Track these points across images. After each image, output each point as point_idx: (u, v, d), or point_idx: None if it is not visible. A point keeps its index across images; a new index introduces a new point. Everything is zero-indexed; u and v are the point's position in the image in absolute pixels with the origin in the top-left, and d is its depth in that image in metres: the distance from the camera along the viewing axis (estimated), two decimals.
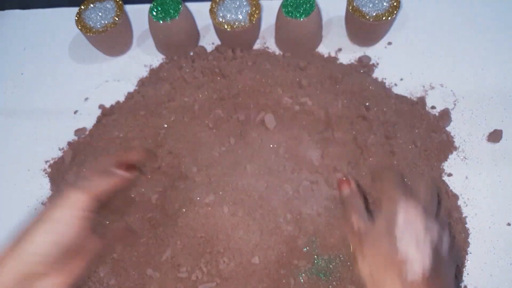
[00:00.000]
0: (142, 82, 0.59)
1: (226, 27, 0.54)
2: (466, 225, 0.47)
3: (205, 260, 0.45)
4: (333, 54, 0.58)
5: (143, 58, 0.61)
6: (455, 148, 0.51)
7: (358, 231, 0.36)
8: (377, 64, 0.57)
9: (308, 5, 0.52)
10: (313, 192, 0.47)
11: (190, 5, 0.59)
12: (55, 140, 0.57)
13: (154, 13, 0.55)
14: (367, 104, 0.52)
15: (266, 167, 0.48)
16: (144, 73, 0.60)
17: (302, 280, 0.44)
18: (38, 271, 0.31)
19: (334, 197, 0.47)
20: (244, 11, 0.55)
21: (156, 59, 0.61)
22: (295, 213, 0.46)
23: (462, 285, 0.45)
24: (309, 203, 0.47)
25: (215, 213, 0.46)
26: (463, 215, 0.48)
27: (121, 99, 0.58)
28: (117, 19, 0.57)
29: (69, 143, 0.56)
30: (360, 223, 0.37)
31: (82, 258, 0.33)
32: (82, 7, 0.58)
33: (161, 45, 0.60)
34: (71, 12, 0.65)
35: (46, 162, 0.55)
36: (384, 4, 0.53)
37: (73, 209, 0.32)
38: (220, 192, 0.48)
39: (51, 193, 0.52)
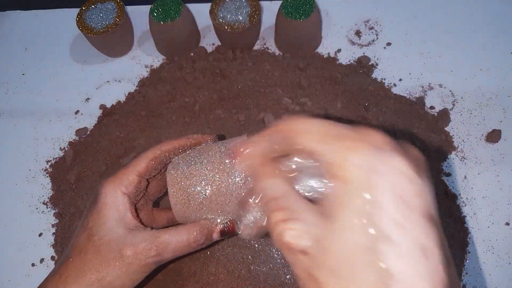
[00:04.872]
0: (143, 83, 0.59)
1: (226, 27, 0.55)
2: (465, 225, 0.47)
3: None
4: (332, 55, 0.59)
5: (144, 58, 0.62)
6: (454, 148, 0.52)
7: (299, 248, 0.19)
8: (376, 64, 0.58)
9: (307, 6, 0.53)
10: None
11: (190, 6, 0.59)
12: (56, 140, 0.57)
13: (155, 14, 0.55)
14: (366, 104, 0.52)
15: None
16: (145, 73, 0.60)
17: None
18: None
19: None
20: (244, 12, 0.55)
21: (157, 59, 0.61)
22: None
23: (461, 284, 0.45)
24: None
25: None
26: (462, 215, 0.48)
27: (122, 99, 0.58)
28: (118, 20, 0.57)
29: (70, 143, 0.56)
30: (305, 232, 0.20)
31: None
32: (83, 8, 0.59)
33: (161, 46, 0.60)
34: (72, 13, 0.65)
35: (48, 162, 0.56)
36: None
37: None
38: None
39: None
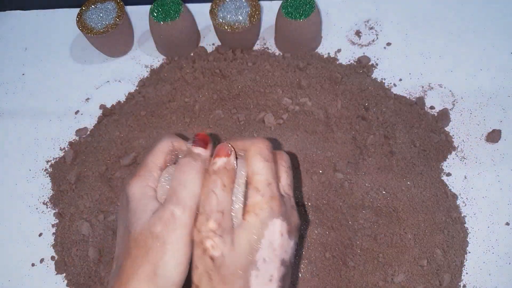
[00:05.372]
0: (143, 83, 0.59)
1: (226, 28, 0.55)
2: (465, 225, 0.48)
3: None
4: (332, 55, 0.59)
5: (143, 58, 0.62)
6: (454, 148, 0.52)
7: (212, 255, 0.27)
8: (376, 64, 0.58)
9: (308, 6, 0.53)
10: None
11: (190, 6, 0.59)
12: (56, 140, 0.57)
13: (155, 14, 0.55)
14: (366, 104, 0.52)
15: None
16: (145, 73, 0.60)
17: None
18: None
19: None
20: (244, 12, 0.55)
21: (157, 59, 0.61)
22: None
23: (461, 284, 0.45)
24: None
25: None
26: (462, 215, 0.48)
27: (122, 99, 0.58)
28: (118, 20, 0.57)
29: (70, 143, 0.56)
30: (220, 242, 0.27)
31: None
32: (83, 8, 0.59)
33: (161, 46, 0.60)
34: (72, 13, 0.65)
35: (47, 162, 0.56)
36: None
37: (183, 236, 0.28)
38: None
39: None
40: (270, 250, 0.28)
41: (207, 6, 0.56)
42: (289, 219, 0.30)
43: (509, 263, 0.46)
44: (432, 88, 0.55)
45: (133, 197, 0.31)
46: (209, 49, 0.61)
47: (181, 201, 0.28)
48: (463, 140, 0.52)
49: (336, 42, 0.60)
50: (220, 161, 0.29)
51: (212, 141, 0.32)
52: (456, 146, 0.52)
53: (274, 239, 0.28)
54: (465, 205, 0.49)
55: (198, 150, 0.31)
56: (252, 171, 0.30)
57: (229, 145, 0.31)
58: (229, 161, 0.30)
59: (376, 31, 0.60)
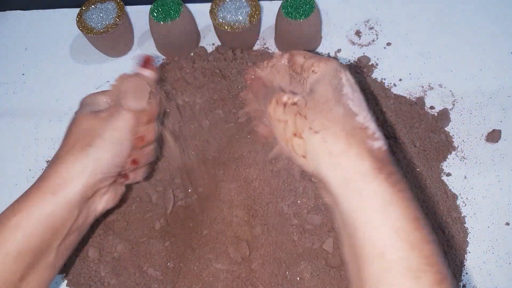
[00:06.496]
0: None
1: (226, 28, 0.55)
2: (465, 225, 0.48)
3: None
4: (332, 55, 0.59)
5: None
6: (454, 148, 0.52)
7: (292, 103, 0.30)
8: (376, 64, 0.58)
9: (307, 6, 0.53)
10: (314, 192, 0.47)
11: (190, 6, 0.59)
12: (56, 140, 0.57)
13: (155, 14, 0.55)
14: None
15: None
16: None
17: None
18: (101, 188, 0.33)
19: None
20: (244, 12, 0.55)
21: (157, 59, 0.61)
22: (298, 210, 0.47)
23: (461, 284, 0.45)
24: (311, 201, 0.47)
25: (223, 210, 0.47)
26: (462, 215, 0.48)
27: None
28: (118, 20, 0.57)
29: None
30: (293, 95, 0.30)
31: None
32: (83, 8, 0.59)
33: (161, 46, 0.60)
34: (72, 13, 0.65)
35: (48, 162, 0.56)
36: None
37: (128, 132, 0.35)
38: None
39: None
40: (353, 90, 0.30)
41: (207, 6, 0.56)
42: None
43: (509, 263, 0.46)
44: (432, 88, 0.55)
45: (85, 100, 0.38)
46: (209, 49, 0.61)
47: (126, 104, 0.35)
48: (463, 140, 0.52)
49: (336, 42, 0.60)
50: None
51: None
52: (456, 146, 0.52)
53: (351, 81, 0.30)
54: (465, 205, 0.49)
55: (144, 72, 0.38)
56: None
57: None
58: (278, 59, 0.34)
59: (376, 31, 0.60)
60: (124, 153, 0.35)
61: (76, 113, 0.38)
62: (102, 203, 0.34)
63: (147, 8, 0.56)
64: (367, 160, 0.26)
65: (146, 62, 0.38)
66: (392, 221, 0.26)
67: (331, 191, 0.28)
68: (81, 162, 0.32)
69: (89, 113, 0.36)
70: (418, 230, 0.26)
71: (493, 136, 0.51)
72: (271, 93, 0.31)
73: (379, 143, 0.27)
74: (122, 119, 0.34)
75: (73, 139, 0.34)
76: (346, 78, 0.30)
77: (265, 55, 0.58)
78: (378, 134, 0.28)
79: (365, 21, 0.61)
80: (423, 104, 0.54)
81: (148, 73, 0.38)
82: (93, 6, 0.59)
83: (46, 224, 0.30)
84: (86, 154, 0.32)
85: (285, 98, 0.30)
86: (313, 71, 0.31)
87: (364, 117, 0.28)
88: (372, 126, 0.28)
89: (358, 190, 0.26)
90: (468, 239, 0.47)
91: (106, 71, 0.61)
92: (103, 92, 0.39)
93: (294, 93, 0.31)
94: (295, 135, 0.28)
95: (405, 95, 0.55)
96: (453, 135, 0.52)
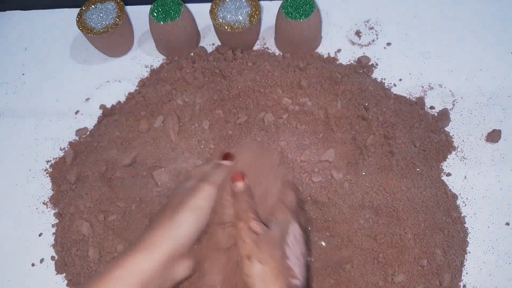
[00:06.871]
0: (142, 83, 0.59)
1: (226, 28, 0.55)
2: (465, 225, 0.48)
3: None
4: (332, 55, 0.59)
5: (143, 58, 0.62)
6: (454, 148, 0.52)
7: (255, 233, 0.36)
8: (376, 64, 0.58)
9: (307, 6, 0.53)
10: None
11: (190, 6, 0.59)
12: (56, 140, 0.57)
13: (155, 14, 0.55)
14: (366, 104, 0.52)
15: None
16: (145, 73, 0.60)
17: None
18: (183, 252, 0.36)
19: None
20: (244, 12, 0.55)
21: (157, 59, 0.61)
22: None
23: (461, 284, 0.45)
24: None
25: None
26: (462, 215, 0.48)
27: (122, 99, 0.58)
28: (118, 20, 0.57)
29: (70, 143, 0.56)
30: (258, 225, 0.37)
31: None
32: (83, 8, 0.59)
33: (161, 46, 0.60)
34: (72, 13, 0.65)
35: (48, 162, 0.56)
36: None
37: (209, 200, 0.39)
38: None
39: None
40: (295, 240, 0.38)
41: (207, 6, 0.56)
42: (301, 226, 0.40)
43: (509, 263, 0.46)
44: (432, 88, 0.55)
45: (177, 186, 0.43)
46: (209, 49, 0.61)
47: (209, 179, 0.40)
48: (463, 140, 0.52)
49: (336, 42, 0.60)
50: (238, 186, 0.40)
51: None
52: (456, 146, 0.52)
53: (296, 233, 0.38)
54: (465, 205, 0.49)
55: (224, 162, 0.43)
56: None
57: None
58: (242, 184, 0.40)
59: (376, 31, 0.60)
60: (204, 217, 0.38)
61: (171, 192, 0.46)
62: (181, 269, 0.38)
63: (147, 8, 0.56)
64: None
65: (227, 156, 0.43)
66: None
67: None
68: (169, 226, 0.37)
69: (179, 190, 0.40)
70: None
71: (493, 136, 0.51)
72: (244, 212, 0.38)
73: (297, 282, 0.36)
74: (204, 190, 0.39)
75: (165, 211, 0.38)
76: (292, 229, 0.38)
77: (265, 55, 0.59)
78: (298, 275, 0.36)
79: (365, 21, 0.61)
80: (423, 104, 0.54)
81: (225, 163, 0.43)
82: (93, 6, 0.59)
83: (141, 277, 0.35)
84: (172, 220, 0.37)
85: (253, 224, 0.37)
86: (276, 215, 0.39)
87: (293, 262, 0.36)
88: (296, 269, 0.36)
89: None
90: (468, 239, 0.47)
91: (106, 71, 0.61)
92: (188, 178, 0.43)
93: (260, 222, 0.38)
94: (247, 257, 0.36)
95: (405, 95, 0.55)
96: (453, 135, 0.52)
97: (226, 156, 0.43)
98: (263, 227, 0.37)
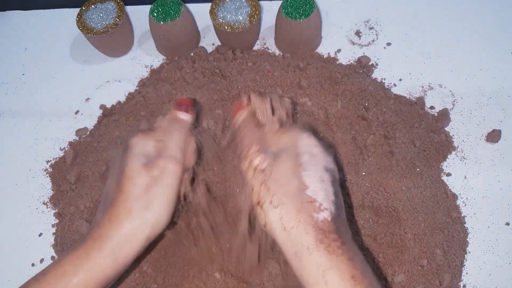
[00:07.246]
0: (142, 83, 0.59)
1: (226, 28, 0.55)
2: (465, 225, 0.48)
3: None
4: (332, 55, 0.59)
5: (143, 58, 0.62)
6: (454, 148, 0.52)
7: (261, 168, 0.32)
8: (376, 64, 0.58)
9: (308, 6, 0.53)
10: None
11: (190, 6, 0.59)
12: (56, 140, 0.57)
13: (155, 14, 0.55)
14: (366, 104, 0.52)
15: None
16: (145, 73, 0.60)
17: None
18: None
19: None
20: (244, 12, 0.55)
21: (157, 59, 0.61)
22: None
23: (461, 284, 0.45)
24: None
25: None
26: (462, 215, 0.48)
27: (122, 99, 0.58)
28: (118, 20, 0.57)
29: (70, 143, 0.56)
30: (263, 158, 0.32)
31: None
32: (83, 8, 0.59)
33: (161, 46, 0.60)
34: (72, 13, 0.65)
35: (48, 162, 0.56)
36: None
37: (176, 185, 0.36)
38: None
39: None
40: (311, 156, 0.32)
41: (207, 6, 0.56)
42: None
43: (509, 263, 0.46)
44: (432, 88, 0.55)
45: (133, 146, 0.37)
46: (209, 49, 0.61)
47: (173, 156, 0.36)
48: (463, 140, 0.52)
49: (336, 42, 0.60)
50: (240, 117, 0.37)
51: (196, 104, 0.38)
52: (456, 146, 0.52)
53: (309, 145, 0.33)
54: (465, 205, 0.49)
55: (181, 115, 0.38)
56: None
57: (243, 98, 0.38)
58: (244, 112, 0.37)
59: (376, 31, 0.60)
60: (175, 204, 0.36)
61: (125, 158, 0.37)
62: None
63: (147, 8, 0.56)
64: (311, 233, 0.30)
65: (185, 105, 0.39)
66: (332, 284, 0.29)
67: (286, 259, 0.32)
68: (140, 227, 0.33)
69: (141, 168, 0.35)
70: (358, 285, 0.29)
71: (493, 136, 0.51)
72: (247, 146, 0.35)
73: (324, 215, 0.30)
74: (171, 176, 0.35)
75: (130, 198, 0.34)
76: (306, 144, 0.33)
77: (265, 55, 0.59)
78: (325, 204, 0.30)
79: (365, 21, 0.61)
80: (423, 104, 0.54)
81: (184, 116, 0.39)
82: (93, 6, 0.59)
83: (102, 283, 0.33)
84: (144, 219, 0.34)
85: (256, 161, 0.33)
86: (279, 138, 0.35)
87: (313, 190, 0.31)
88: (320, 197, 0.30)
89: (303, 261, 0.30)
90: (468, 239, 0.47)
91: (106, 71, 0.61)
92: (148, 135, 0.39)
93: (265, 151, 0.34)
94: (258, 203, 0.31)
95: (405, 95, 0.55)
96: (453, 135, 0.52)
97: (183, 105, 0.39)
98: (270, 160, 0.32)
